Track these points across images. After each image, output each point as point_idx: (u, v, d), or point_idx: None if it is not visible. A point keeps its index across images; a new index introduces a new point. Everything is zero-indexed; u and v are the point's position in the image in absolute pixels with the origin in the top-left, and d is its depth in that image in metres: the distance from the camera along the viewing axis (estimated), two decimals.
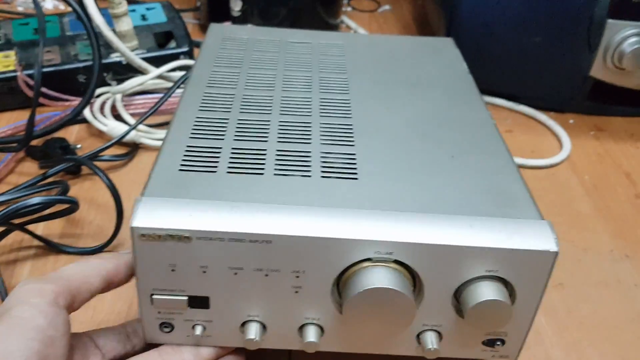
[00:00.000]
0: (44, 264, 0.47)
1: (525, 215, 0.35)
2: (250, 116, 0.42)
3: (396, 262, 0.33)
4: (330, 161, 0.38)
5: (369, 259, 0.33)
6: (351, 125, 0.42)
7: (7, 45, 0.63)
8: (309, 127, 0.41)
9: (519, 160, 0.60)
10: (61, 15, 0.68)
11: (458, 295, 0.35)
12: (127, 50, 0.58)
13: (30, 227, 0.47)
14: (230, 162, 0.37)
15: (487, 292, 0.34)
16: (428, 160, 0.39)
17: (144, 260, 0.33)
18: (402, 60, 0.52)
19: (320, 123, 0.42)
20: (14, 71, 0.59)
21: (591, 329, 0.45)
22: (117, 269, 0.35)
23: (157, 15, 0.69)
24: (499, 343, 0.37)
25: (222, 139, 0.39)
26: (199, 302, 0.35)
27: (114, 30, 0.59)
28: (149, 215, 0.32)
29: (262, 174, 0.36)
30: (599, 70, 0.63)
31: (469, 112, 0.45)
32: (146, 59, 0.61)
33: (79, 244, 0.49)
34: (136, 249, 0.33)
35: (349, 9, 0.87)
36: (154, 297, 0.34)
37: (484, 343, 0.37)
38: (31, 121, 0.51)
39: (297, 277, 0.34)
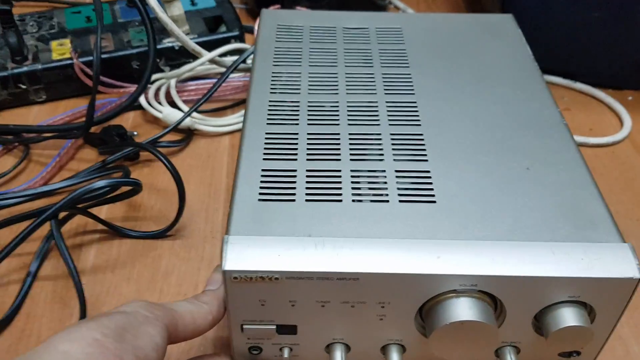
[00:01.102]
0: (108, 248, 0.48)
1: (605, 238, 0.35)
2: (318, 128, 0.42)
3: (480, 291, 0.34)
4: (405, 181, 0.38)
5: (454, 290, 0.34)
6: (422, 135, 0.42)
7: (62, 33, 0.63)
8: (380, 139, 0.41)
9: (579, 138, 0.59)
10: (112, 2, 0.69)
11: (539, 317, 0.36)
12: (181, 34, 0.57)
13: (94, 211, 0.48)
14: (308, 188, 0.37)
15: (569, 318, 0.35)
16: (504, 175, 0.39)
17: (235, 297, 0.34)
18: (464, 46, 0.51)
19: (391, 134, 0.42)
20: (70, 59, 0.59)
21: None
22: (220, 312, 0.36)
23: (206, 0, 0.69)
24: (574, 354, 0.38)
25: (296, 159, 0.39)
26: (287, 329, 0.36)
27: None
28: (238, 258, 0.33)
29: (340, 200, 0.37)
30: None
31: (538, 110, 0.44)
32: (198, 44, 0.61)
33: (141, 228, 0.50)
34: (228, 289, 0.34)
35: None
36: (244, 327, 0.36)
37: (560, 355, 0.38)
38: (91, 108, 0.52)
39: (382, 307, 0.35)
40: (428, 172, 0.39)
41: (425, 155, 0.40)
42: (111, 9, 0.67)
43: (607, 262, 0.34)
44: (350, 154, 0.40)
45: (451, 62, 0.49)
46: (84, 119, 0.53)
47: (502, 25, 0.54)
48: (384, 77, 0.47)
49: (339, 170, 0.39)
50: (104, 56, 0.59)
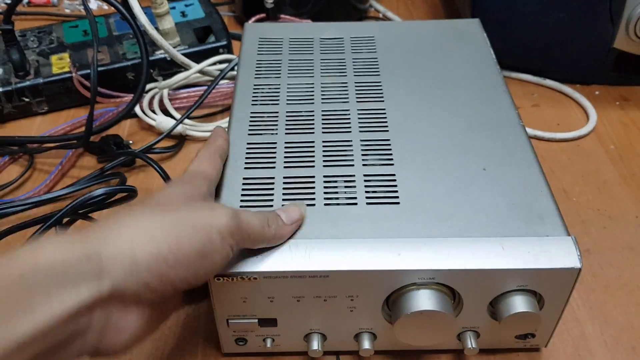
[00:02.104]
0: None
1: (552, 232, 0.39)
2: (295, 137, 0.46)
3: (438, 283, 0.38)
4: (373, 185, 0.42)
5: (414, 283, 0.38)
6: (389, 140, 0.46)
7: (60, 47, 0.67)
8: (350, 145, 0.45)
9: (546, 134, 0.63)
10: (107, 16, 0.72)
11: (493, 305, 0.40)
12: (170, 48, 0.61)
13: (95, 215, 0.52)
14: (284, 194, 0.41)
15: (519, 305, 0.39)
16: (462, 176, 0.43)
17: (219, 295, 0.39)
18: (432, 52, 0.55)
19: (361, 140, 0.46)
20: (69, 72, 0.64)
21: (616, 291, 0.49)
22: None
23: (196, 11, 0.72)
24: (529, 336, 0.42)
25: (274, 167, 0.43)
26: (268, 322, 0.40)
27: (157, 29, 0.63)
28: None
29: (313, 204, 0.41)
30: (622, 42, 0.64)
31: (497, 113, 0.48)
32: (188, 54, 0.65)
33: None
34: (212, 288, 0.38)
35: None
36: (230, 321, 0.40)
37: (516, 337, 0.43)
38: (90, 120, 0.56)
39: (352, 300, 0.39)
40: (393, 175, 0.43)
41: (392, 159, 0.44)
42: (106, 22, 0.71)
43: (552, 254, 0.38)
44: (324, 161, 0.44)
45: (419, 68, 0.53)
46: (83, 128, 0.57)
47: (469, 30, 0.58)
48: (356, 86, 0.51)
49: (313, 177, 0.43)
50: (100, 69, 0.63)
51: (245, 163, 0.44)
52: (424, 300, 0.38)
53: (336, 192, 0.42)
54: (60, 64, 0.65)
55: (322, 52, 0.55)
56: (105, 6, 0.84)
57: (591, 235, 0.53)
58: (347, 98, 0.50)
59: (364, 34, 0.58)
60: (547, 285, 0.39)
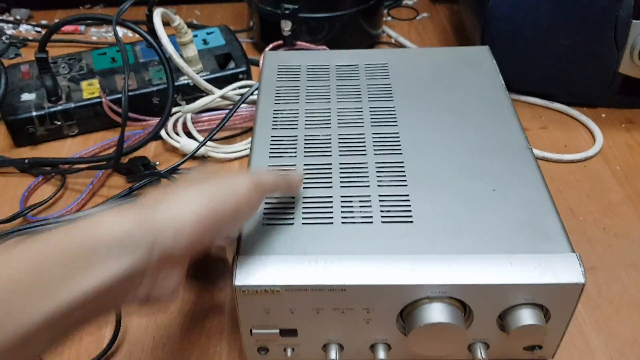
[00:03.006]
0: None
1: (557, 249, 0.41)
2: (313, 159, 0.49)
3: (449, 297, 0.41)
4: (387, 204, 0.45)
5: (427, 297, 0.40)
6: (402, 163, 0.48)
7: (90, 74, 0.71)
8: (366, 167, 0.48)
9: (554, 155, 0.65)
10: (133, 43, 0.76)
11: (502, 318, 0.42)
12: (195, 75, 0.65)
13: None
14: (304, 213, 0.44)
15: (526, 317, 0.41)
16: (472, 196, 0.45)
17: (244, 307, 0.41)
18: (443, 78, 0.58)
19: (376, 163, 0.48)
20: (99, 97, 0.67)
21: (621, 306, 0.51)
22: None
23: (217, 39, 0.76)
24: (537, 348, 0.45)
25: None
26: (288, 332, 0.43)
27: (181, 56, 0.67)
28: (246, 275, 0.40)
29: (331, 222, 0.43)
30: (626, 67, 0.67)
31: (506, 136, 0.51)
32: (210, 80, 0.68)
33: None
34: (238, 300, 0.41)
35: (389, 18, 0.92)
36: (253, 331, 0.43)
37: (524, 348, 0.45)
38: (121, 142, 0.59)
39: (368, 312, 0.41)
40: (407, 195, 0.45)
41: (405, 181, 0.47)
42: (133, 49, 0.75)
43: (557, 270, 0.40)
44: (341, 182, 0.47)
45: (431, 93, 0.56)
46: (112, 149, 0.61)
47: (479, 56, 0.61)
48: (371, 111, 0.54)
49: (331, 197, 0.45)
50: (129, 94, 0.67)
51: None
52: (437, 313, 0.40)
53: (352, 212, 0.44)
54: (90, 89, 0.69)
55: (337, 78, 0.58)
56: (130, 33, 0.88)
57: (597, 252, 0.55)
58: (362, 122, 0.53)
59: (377, 61, 0.61)
60: (553, 299, 0.41)
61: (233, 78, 0.71)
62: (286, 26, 0.75)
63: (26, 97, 0.68)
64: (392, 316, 0.42)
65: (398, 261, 0.41)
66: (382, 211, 0.44)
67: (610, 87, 0.70)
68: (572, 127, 0.70)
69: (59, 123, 0.68)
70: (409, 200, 0.45)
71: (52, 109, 0.67)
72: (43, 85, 0.67)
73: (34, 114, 0.66)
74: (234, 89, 0.67)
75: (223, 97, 0.67)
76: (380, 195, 0.46)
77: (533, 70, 0.71)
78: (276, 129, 0.52)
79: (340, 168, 0.48)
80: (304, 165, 0.48)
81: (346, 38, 0.80)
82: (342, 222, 0.43)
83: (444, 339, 0.41)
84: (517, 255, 0.41)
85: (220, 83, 0.69)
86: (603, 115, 0.72)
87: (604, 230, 0.57)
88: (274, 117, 0.53)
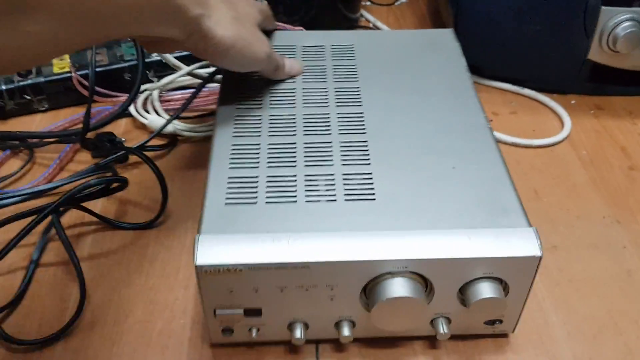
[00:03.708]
0: (102, 238, 0.55)
1: (515, 223, 0.42)
2: (278, 139, 0.49)
3: (411, 272, 0.41)
4: (351, 183, 0.45)
5: (389, 272, 0.41)
6: (366, 142, 0.49)
7: None
8: (330, 147, 0.48)
9: (523, 141, 0.66)
10: None
11: (462, 292, 0.43)
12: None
13: (88, 204, 0.55)
14: (268, 192, 0.44)
15: (485, 291, 0.42)
16: (433, 174, 0.46)
17: (207, 288, 0.41)
18: (408, 60, 0.58)
19: (340, 142, 0.49)
20: (69, 72, 0.67)
21: (580, 285, 0.52)
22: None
23: None
24: (497, 322, 0.46)
25: (257, 167, 0.46)
26: (253, 312, 0.43)
27: None
28: (208, 254, 0.40)
29: (295, 202, 0.43)
30: (596, 54, 0.68)
31: (467, 117, 0.51)
32: (184, 57, 0.68)
33: (132, 220, 0.57)
34: (200, 281, 0.41)
35: (367, 3, 0.92)
36: (217, 312, 0.43)
37: (485, 323, 0.46)
38: (87, 117, 0.59)
39: (332, 289, 0.42)
40: (370, 174, 0.46)
41: (369, 159, 0.47)
42: None
43: (514, 243, 0.41)
44: (305, 161, 0.47)
45: (395, 75, 0.56)
46: (81, 125, 0.60)
47: (443, 39, 0.61)
48: (335, 91, 0.54)
49: (295, 175, 0.46)
50: (99, 69, 0.67)
51: (230, 163, 0.47)
52: (398, 287, 0.41)
53: (317, 190, 0.44)
54: (61, 64, 0.68)
55: (303, 59, 0.58)
56: None
57: (559, 232, 0.56)
58: (327, 103, 0.53)
59: (344, 43, 0.61)
60: (511, 272, 0.42)
61: None
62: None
63: None
64: (355, 293, 0.42)
65: (360, 237, 0.41)
66: (345, 189, 0.45)
67: (580, 73, 0.71)
68: (542, 112, 0.71)
69: (28, 97, 0.67)
70: (372, 179, 0.45)
71: (21, 83, 0.66)
72: None
73: (3, 87, 0.66)
74: (202, 67, 0.67)
75: (192, 75, 0.67)
76: (344, 174, 0.46)
77: (505, 56, 0.71)
78: (240, 108, 0.52)
79: (305, 147, 0.48)
80: (268, 144, 0.48)
81: (323, 20, 0.80)
82: (306, 201, 0.44)
83: (406, 313, 0.42)
84: (475, 230, 0.41)
85: (194, 60, 0.68)
86: (573, 102, 0.73)
87: (567, 212, 0.58)
88: (237, 97, 0.53)
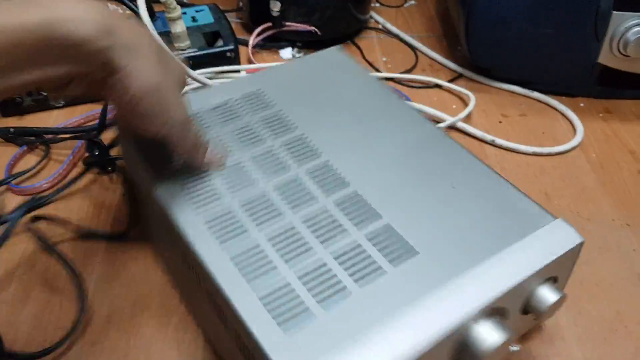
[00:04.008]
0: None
1: (543, 221, 0.42)
2: (269, 226, 0.42)
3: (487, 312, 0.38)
4: (384, 244, 0.41)
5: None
6: (359, 194, 0.44)
7: None
8: (328, 212, 0.43)
9: (535, 149, 0.66)
10: None
11: (527, 304, 0.42)
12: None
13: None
14: (312, 294, 0.38)
15: (550, 295, 0.41)
16: (442, 200, 0.43)
17: None
18: (326, 88, 0.54)
19: (334, 203, 0.43)
20: None
21: (590, 287, 0.52)
22: None
23: (206, 17, 0.76)
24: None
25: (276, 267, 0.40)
26: None
27: (170, 32, 0.68)
28: None
29: (349, 291, 0.38)
30: (606, 58, 0.69)
31: (422, 131, 0.49)
32: (197, 57, 0.69)
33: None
34: None
35: (377, 4, 0.94)
36: None
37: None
38: (104, 113, 0.60)
39: None
40: (389, 225, 0.42)
41: (379, 213, 0.43)
42: None
43: (560, 239, 0.41)
44: (319, 241, 0.41)
45: (326, 109, 0.52)
46: (96, 121, 0.61)
47: (337, 58, 0.58)
48: (285, 148, 0.48)
49: (323, 260, 0.40)
50: None
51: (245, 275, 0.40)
52: (492, 333, 0.38)
53: (359, 270, 0.40)
54: None
55: (218, 121, 0.50)
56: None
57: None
58: (288, 164, 0.47)
59: (249, 90, 0.54)
60: (563, 266, 0.42)
61: (221, 55, 0.71)
62: (275, 6, 0.75)
63: None
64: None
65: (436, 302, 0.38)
66: (384, 255, 0.40)
67: (589, 77, 0.72)
68: (551, 115, 0.72)
69: (45, 94, 0.68)
70: (398, 232, 0.42)
71: None
72: None
73: None
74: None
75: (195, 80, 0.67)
76: (368, 239, 0.42)
77: (515, 58, 0.72)
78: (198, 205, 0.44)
79: (306, 225, 0.42)
80: (268, 240, 0.41)
81: (335, 22, 0.81)
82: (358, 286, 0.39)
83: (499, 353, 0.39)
84: (520, 242, 0.41)
85: (207, 60, 0.69)
86: (582, 105, 0.73)
87: (577, 215, 0.59)
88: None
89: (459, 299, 0.38)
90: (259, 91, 0.54)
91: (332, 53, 0.59)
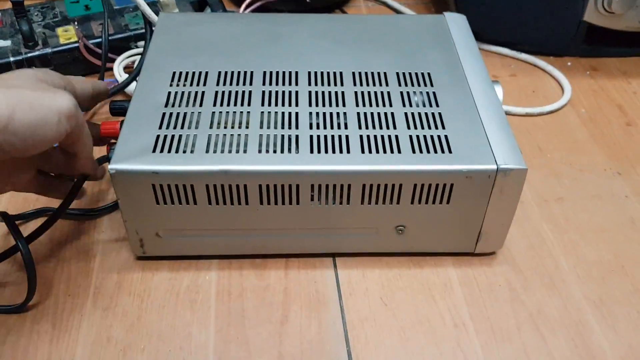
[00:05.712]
0: None
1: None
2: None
3: None
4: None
5: None
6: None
7: (65, 21, 0.70)
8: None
9: (527, 109, 0.67)
10: None
11: None
12: (151, 13, 0.64)
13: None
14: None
15: None
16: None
17: None
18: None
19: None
20: (76, 42, 0.67)
21: (587, 232, 0.54)
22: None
23: None
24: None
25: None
26: None
27: (158, 1, 0.67)
28: None
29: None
30: (591, 15, 0.70)
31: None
32: None
33: None
34: None
35: None
36: None
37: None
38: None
39: None
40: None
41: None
42: None
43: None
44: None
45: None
46: None
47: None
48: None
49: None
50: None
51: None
52: None
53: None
54: (66, 35, 0.69)
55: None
56: None
57: (564, 185, 0.58)
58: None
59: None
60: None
61: None
62: None
63: (2, 43, 0.68)
64: None
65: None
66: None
67: (575, 36, 0.73)
68: (540, 75, 0.74)
69: None
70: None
71: (29, 54, 0.67)
72: (19, 30, 0.66)
73: (12, 59, 0.66)
74: None
75: None
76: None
77: (502, 20, 0.73)
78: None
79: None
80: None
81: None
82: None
83: None
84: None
85: None
86: (569, 64, 0.75)
87: (570, 166, 0.61)
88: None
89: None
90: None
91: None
